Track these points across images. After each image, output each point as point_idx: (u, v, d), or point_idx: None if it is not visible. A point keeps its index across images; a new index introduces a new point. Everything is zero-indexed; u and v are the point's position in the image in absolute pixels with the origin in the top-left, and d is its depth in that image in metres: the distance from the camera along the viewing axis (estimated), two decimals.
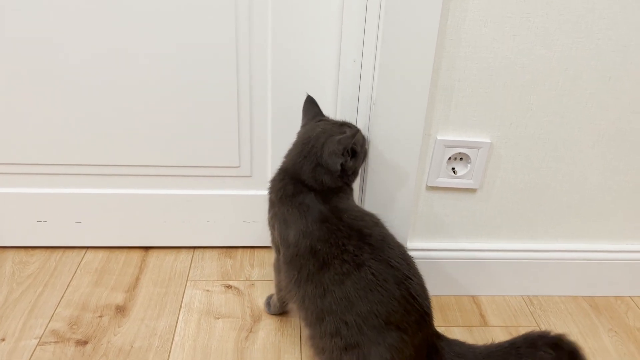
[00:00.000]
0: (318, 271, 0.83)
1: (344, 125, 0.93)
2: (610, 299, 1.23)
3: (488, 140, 1.05)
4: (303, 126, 0.97)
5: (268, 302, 1.12)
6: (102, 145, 1.16)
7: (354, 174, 0.93)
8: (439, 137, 1.04)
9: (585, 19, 0.94)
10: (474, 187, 1.09)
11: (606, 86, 1.01)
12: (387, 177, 1.06)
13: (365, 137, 0.98)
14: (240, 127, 1.16)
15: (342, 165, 0.88)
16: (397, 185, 1.07)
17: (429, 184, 1.09)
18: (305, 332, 0.90)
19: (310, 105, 0.97)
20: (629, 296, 1.24)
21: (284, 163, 0.94)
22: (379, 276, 0.81)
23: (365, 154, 0.97)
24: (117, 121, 1.13)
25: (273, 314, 1.12)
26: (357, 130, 0.88)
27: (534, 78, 0.99)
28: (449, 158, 1.07)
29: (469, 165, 1.07)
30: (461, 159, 1.08)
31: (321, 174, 0.88)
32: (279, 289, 1.02)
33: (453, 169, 1.08)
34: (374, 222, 0.89)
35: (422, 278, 0.89)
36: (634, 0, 0.92)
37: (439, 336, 0.94)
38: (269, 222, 0.97)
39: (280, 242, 0.91)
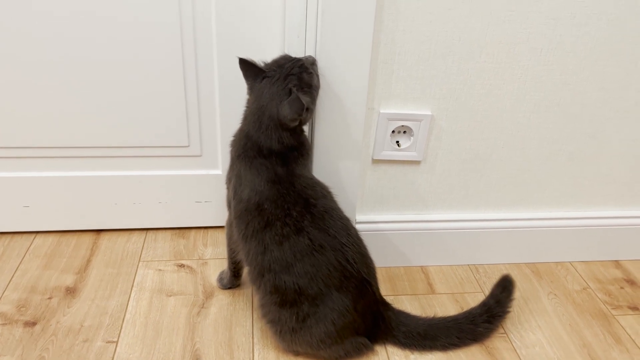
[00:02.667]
0: (262, 229, 0.87)
1: (288, 77, 0.91)
2: (551, 264, 1.29)
3: (429, 112, 1.08)
4: (250, 89, 0.94)
5: (221, 277, 1.14)
6: (48, 127, 1.14)
7: (310, 118, 0.96)
8: (381, 111, 1.07)
9: None
10: (417, 159, 1.13)
11: (538, 58, 1.05)
12: (333, 152, 1.08)
13: (313, 61, 0.96)
14: (188, 106, 1.16)
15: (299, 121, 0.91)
16: (343, 159, 1.09)
17: (375, 157, 1.12)
18: (255, 296, 0.93)
19: (248, 67, 0.93)
20: (569, 261, 1.30)
21: (244, 125, 0.95)
22: (315, 242, 0.85)
23: (316, 88, 0.95)
24: (63, 101, 1.12)
25: (225, 288, 1.13)
26: (298, 82, 0.89)
27: (471, 50, 1.03)
28: (393, 131, 1.10)
29: (412, 137, 1.10)
30: (404, 132, 1.11)
31: (280, 134, 0.90)
32: (229, 247, 1.05)
33: (397, 142, 1.11)
34: (323, 194, 0.92)
35: (363, 247, 0.93)
36: None
37: (386, 305, 0.97)
38: (227, 177, 1.00)
39: (233, 196, 0.94)
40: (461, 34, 1.01)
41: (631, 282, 1.24)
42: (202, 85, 1.14)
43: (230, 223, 0.98)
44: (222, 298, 1.11)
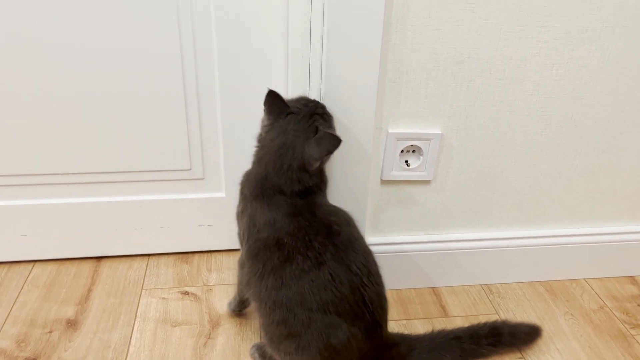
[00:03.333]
0: (281, 264, 0.83)
1: (314, 116, 0.88)
2: (565, 282, 1.25)
3: (439, 131, 1.05)
4: (270, 125, 0.89)
5: (229, 302, 1.10)
6: (45, 154, 1.11)
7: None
8: (390, 131, 1.04)
9: (526, 6, 0.95)
10: (427, 179, 1.09)
11: (550, 73, 1.02)
12: (341, 173, 1.05)
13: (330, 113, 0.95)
14: (190, 129, 1.13)
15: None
16: (351, 180, 1.06)
17: (384, 178, 1.08)
18: (259, 320, 0.90)
19: (274, 101, 0.88)
20: (584, 278, 1.27)
21: (259, 167, 0.90)
22: (336, 278, 0.81)
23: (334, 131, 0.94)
24: (60, 128, 1.08)
25: (233, 311, 1.09)
26: (330, 133, 0.85)
27: (480, 67, 1.00)
28: (402, 151, 1.06)
29: (421, 157, 1.07)
30: (414, 151, 1.08)
31: (301, 176, 0.86)
32: (240, 284, 1.01)
33: (406, 161, 1.08)
34: (347, 220, 0.89)
35: (382, 286, 0.88)
36: None
37: (389, 348, 0.92)
38: (238, 215, 0.95)
39: (248, 235, 0.89)
40: (470, 50, 0.98)
41: None
42: (203, 108, 1.11)
43: (242, 263, 0.94)
44: (229, 327, 1.07)
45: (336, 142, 0.84)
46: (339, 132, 1.00)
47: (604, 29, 0.99)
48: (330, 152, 0.86)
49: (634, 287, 1.25)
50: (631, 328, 1.12)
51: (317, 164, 0.87)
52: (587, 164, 1.13)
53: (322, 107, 0.92)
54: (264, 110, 0.91)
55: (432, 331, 0.97)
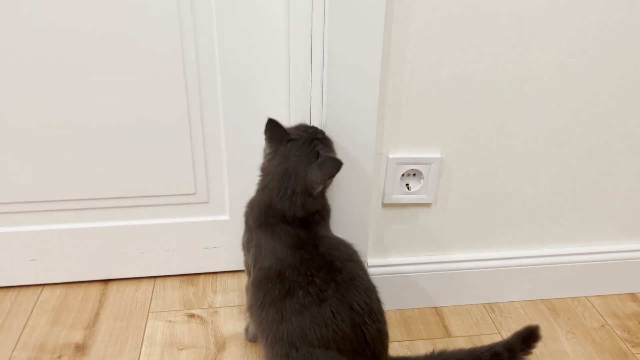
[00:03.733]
0: (282, 298, 0.84)
1: (312, 142, 0.90)
2: (567, 300, 1.26)
3: (438, 155, 1.06)
4: (272, 153, 0.92)
5: (247, 329, 1.11)
6: (53, 180, 1.13)
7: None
8: (390, 156, 1.05)
9: (526, 31, 0.96)
10: (428, 202, 1.11)
11: (548, 97, 1.04)
12: (344, 197, 1.06)
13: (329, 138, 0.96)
14: (194, 154, 1.15)
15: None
16: (353, 204, 1.07)
17: (385, 202, 1.10)
18: (262, 351, 0.91)
19: (275, 129, 0.91)
20: (585, 296, 1.28)
21: (263, 196, 0.92)
22: (337, 316, 0.82)
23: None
24: (67, 154, 1.11)
25: (250, 340, 1.11)
26: (331, 157, 0.87)
27: (480, 91, 1.01)
28: (403, 174, 1.08)
29: (422, 180, 1.09)
30: (414, 174, 1.09)
31: (304, 200, 0.88)
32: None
33: (407, 185, 1.10)
34: (349, 255, 0.90)
35: (383, 324, 0.89)
36: (569, 11, 0.96)
37: None
38: (244, 245, 0.97)
39: (253, 265, 0.91)
40: (469, 75, 0.99)
41: None
42: (207, 134, 1.13)
43: (247, 290, 0.96)
44: (234, 350, 1.09)
45: (337, 165, 0.86)
46: (340, 157, 1.01)
47: (601, 53, 1.00)
48: (332, 175, 0.88)
49: (635, 304, 1.26)
50: (632, 347, 1.13)
51: (320, 188, 0.89)
52: (587, 184, 1.15)
53: (322, 132, 0.94)
54: (265, 139, 0.93)
55: (433, 352, 0.98)
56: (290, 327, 0.82)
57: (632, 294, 1.29)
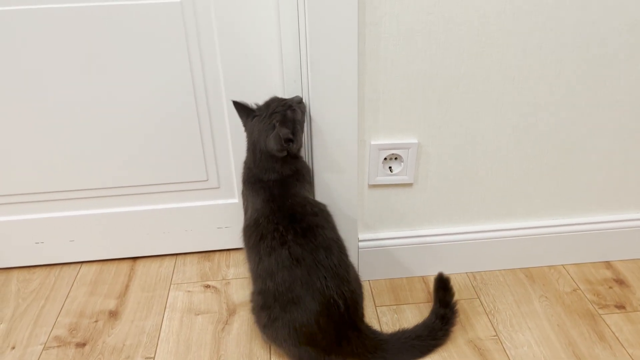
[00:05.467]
0: (258, 241, 1.04)
1: (272, 115, 1.07)
2: (544, 268, 1.39)
3: (415, 140, 1.20)
4: (245, 127, 1.14)
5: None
6: (88, 173, 1.32)
7: (299, 149, 1.11)
8: (372, 142, 1.20)
9: (484, 31, 1.09)
10: (409, 182, 1.25)
11: (512, 85, 1.16)
12: (332, 180, 1.22)
13: (300, 100, 1.11)
14: (204, 147, 1.32)
15: (287, 151, 1.06)
16: (342, 186, 1.22)
17: (370, 183, 1.25)
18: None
19: (241, 109, 1.13)
20: (562, 264, 1.40)
21: (247, 158, 1.14)
22: (293, 256, 1.00)
23: (301, 123, 1.10)
24: (97, 150, 1.29)
25: None
26: (281, 118, 1.05)
27: (448, 84, 1.14)
28: (385, 159, 1.22)
29: (402, 163, 1.23)
30: (396, 158, 1.23)
31: (273, 165, 1.08)
32: None
33: (390, 167, 1.24)
34: (313, 212, 1.06)
35: (342, 268, 1.04)
36: (523, 8, 1.07)
37: (359, 330, 1.06)
38: (242, 195, 1.18)
39: (244, 212, 1.14)
40: (438, 70, 1.13)
41: (620, 281, 1.34)
42: (215, 128, 1.30)
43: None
44: (243, 315, 1.26)
45: (279, 137, 1.03)
46: (327, 145, 1.17)
47: (557, 45, 1.12)
48: (281, 145, 1.04)
49: (608, 271, 1.37)
50: (599, 308, 1.26)
51: (282, 153, 1.06)
52: (554, 162, 1.27)
53: (284, 104, 1.08)
54: (239, 116, 1.14)
55: (397, 331, 1.13)
56: (264, 265, 1.02)
57: (607, 261, 1.41)
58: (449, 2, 1.05)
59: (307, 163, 1.18)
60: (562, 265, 1.40)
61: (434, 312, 1.15)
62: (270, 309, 1.02)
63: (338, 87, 1.11)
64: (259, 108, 1.11)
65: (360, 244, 1.32)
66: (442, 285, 1.17)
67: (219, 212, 1.42)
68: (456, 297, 1.29)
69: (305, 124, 1.17)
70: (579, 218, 1.35)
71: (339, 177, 1.21)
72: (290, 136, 1.05)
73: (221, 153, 1.34)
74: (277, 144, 1.04)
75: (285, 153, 1.06)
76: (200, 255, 1.48)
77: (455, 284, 1.34)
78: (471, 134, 1.21)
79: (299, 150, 1.11)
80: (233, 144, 1.32)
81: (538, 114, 1.20)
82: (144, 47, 1.18)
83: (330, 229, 1.07)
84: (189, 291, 1.35)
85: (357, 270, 1.33)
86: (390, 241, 1.32)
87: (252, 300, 1.10)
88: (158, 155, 1.32)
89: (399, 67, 1.12)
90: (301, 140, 1.11)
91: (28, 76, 1.18)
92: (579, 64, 1.15)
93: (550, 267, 1.39)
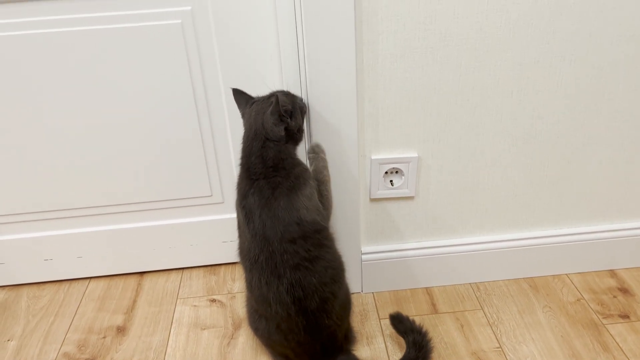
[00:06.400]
0: (241, 223, 1.04)
1: (271, 97, 1.04)
2: (548, 278, 1.39)
3: (415, 154, 1.21)
4: (242, 116, 1.09)
5: None
6: (95, 190, 1.35)
7: (300, 131, 1.06)
8: (373, 157, 1.21)
9: (480, 45, 1.10)
10: (411, 195, 1.26)
11: (511, 99, 1.16)
12: (335, 194, 1.23)
13: (294, 94, 1.09)
14: (208, 162, 1.34)
15: (286, 129, 1.01)
16: (344, 200, 1.23)
17: (372, 197, 1.26)
18: None
19: (239, 96, 1.09)
20: (566, 273, 1.40)
21: (241, 153, 1.06)
22: (246, 218, 1.01)
23: (301, 108, 1.07)
24: (104, 169, 1.32)
25: None
26: (278, 95, 1.00)
27: (447, 98, 1.15)
28: (386, 172, 1.23)
29: (403, 177, 1.24)
30: (397, 171, 1.24)
31: (272, 149, 1.01)
32: None
33: (391, 181, 1.25)
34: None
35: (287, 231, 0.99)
36: (519, 22, 1.08)
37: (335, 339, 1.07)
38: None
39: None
40: (436, 85, 1.14)
41: (624, 290, 1.33)
42: (218, 145, 1.32)
43: None
44: (248, 329, 1.27)
45: (277, 104, 0.98)
46: (330, 161, 1.17)
47: (554, 58, 1.12)
48: (280, 115, 0.99)
49: (613, 280, 1.37)
50: (603, 318, 1.26)
51: (278, 132, 1.00)
52: (555, 173, 1.27)
53: (282, 90, 1.08)
54: (237, 107, 1.11)
55: None
56: (240, 242, 1.06)
57: (611, 270, 1.40)
58: (445, 17, 1.06)
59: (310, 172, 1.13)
60: (566, 274, 1.40)
61: (408, 345, 1.11)
62: (248, 280, 1.06)
63: (337, 104, 1.12)
64: (259, 97, 1.08)
65: (363, 256, 1.33)
66: (397, 321, 1.15)
67: (223, 226, 1.44)
68: (459, 308, 1.30)
69: (305, 141, 1.18)
70: (583, 227, 1.35)
71: (340, 192, 1.22)
72: (289, 107, 1.01)
73: (224, 169, 1.36)
74: (274, 115, 0.99)
75: (283, 132, 1.00)
76: (206, 269, 1.49)
77: (458, 294, 1.35)
78: (471, 147, 1.22)
79: (299, 132, 1.05)
80: (236, 160, 1.34)
81: (538, 125, 1.20)
82: (147, 67, 1.20)
83: (297, 209, 1.00)
84: (195, 305, 1.36)
85: (360, 283, 1.35)
86: (393, 253, 1.33)
87: (246, 305, 1.14)
88: (162, 172, 1.34)
89: (397, 82, 1.13)
90: (301, 122, 1.06)
91: (37, 97, 1.21)
92: (577, 75, 1.15)
93: (554, 276, 1.39)
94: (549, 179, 1.28)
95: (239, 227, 1.07)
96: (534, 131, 1.21)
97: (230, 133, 1.31)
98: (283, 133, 1.02)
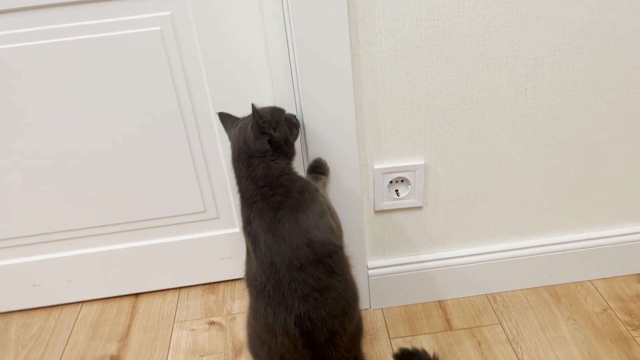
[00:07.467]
0: (251, 251, 0.95)
1: (255, 114, 0.92)
2: (570, 285, 1.29)
3: (422, 162, 1.11)
4: (229, 138, 1.00)
5: None
6: (82, 212, 1.26)
7: (287, 143, 0.95)
8: (375, 167, 1.11)
9: (489, 42, 0.99)
10: (418, 205, 1.16)
11: (524, 97, 1.06)
12: (338, 207, 1.12)
13: (281, 108, 0.99)
14: (199, 177, 1.25)
15: (270, 142, 0.91)
16: (346, 213, 1.14)
17: (376, 209, 1.16)
18: None
19: (225, 119, 1.01)
20: (590, 280, 1.30)
21: (236, 184, 0.97)
22: (252, 244, 0.93)
23: (288, 120, 0.97)
24: (91, 189, 1.23)
25: None
26: (254, 105, 0.89)
27: (454, 100, 1.05)
28: (391, 182, 1.14)
29: (409, 186, 1.14)
30: (402, 180, 1.14)
31: (259, 167, 0.92)
32: None
33: (397, 190, 1.15)
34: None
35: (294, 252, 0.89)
36: (531, 14, 0.97)
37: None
38: None
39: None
40: (441, 87, 1.03)
41: None
42: (208, 158, 1.23)
43: None
44: (249, 355, 1.19)
45: (254, 119, 0.89)
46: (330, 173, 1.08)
47: (570, 52, 1.01)
48: (259, 127, 0.89)
49: None
50: (632, 330, 1.16)
51: (262, 145, 0.91)
52: (575, 174, 1.17)
53: (271, 106, 0.99)
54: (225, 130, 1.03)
55: None
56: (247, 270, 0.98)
57: (638, 274, 1.30)
58: (449, 12, 0.96)
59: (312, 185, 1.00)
60: (589, 280, 1.30)
61: None
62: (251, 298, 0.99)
63: (333, 113, 1.02)
64: (245, 116, 0.98)
65: (370, 272, 1.23)
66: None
67: (220, 242, 1.35)
68: (476, 323, 1.21)
69: (302, 158, 1.09)
70: (606, 230, 1.25)
71: (342, 205, 1.13)
72: (269, 117, 0.92)
73: (217, 183, 1.27)
74: (254, 128, 0.90)
75: (266, 146, 0.90)
76: (204, 287, 1.41)
77: (474, 307, 1.26)
78: (482, 151, 1.11)
79: (287, 144, 0.94)
80: (229, 173, 1.24)
81: (555, 125, 1.10)
82: (127, 80, 1.11)
83: (303, 226, 0.90)
84: (193, 329, 1.28)
85: (368, 299, 1.26)
86: (402, 267, 1.24)
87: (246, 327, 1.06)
88: (152, 189, 1.25)
89: (398, 86, 1.02)
90: (288, 134, 0.95)
91: (15, 117, 1.13)
92: (597, 69, 1.04)
93: (577, 283, 1.29)
94: (568, 181, 1.17)
95: (247, 254, 0.98)
96: (551, 131, 1.11)
97: (221, 144, 1.21)
98: (267, 146, 0.92)
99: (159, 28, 1.08)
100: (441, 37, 0.98)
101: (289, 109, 1.07)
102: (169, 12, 1.07)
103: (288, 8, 0.94)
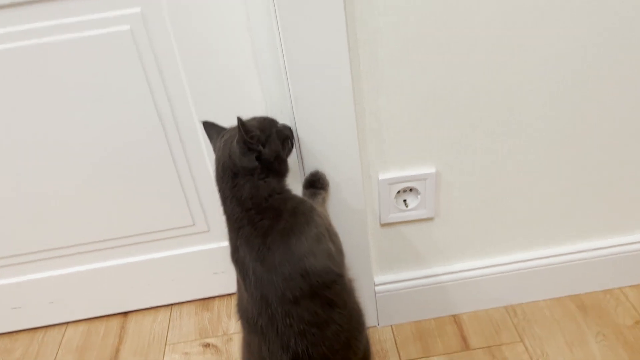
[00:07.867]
0: (240, 280, 0.84)
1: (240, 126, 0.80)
2: (598, 294, 1.17)
3: (433, 170, 0.98)
4: (214, 149, 0.88)
5: None
6: (62, 229, 1.16)
7: (279, 160, 0.83)
8: (380, 177, 0.99)
9: (506, 33, 0.85)
10: (429, 216, 1.04)
11: (545, 96, 0.92)
12: (337, 223, 1.00)
13: (274, 119, 0.87)
14: (185, 188, 1.13)
15: (259, 159, 0.80)
16: (349, 228, 1.02)
17: (382, 222, 1.04)
18: None
19: (210, 129, 0.89)
20: (619, 287, 1.18)
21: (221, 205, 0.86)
22: (240, 274, 0.81)
23: (279, 132, 0.85)
24: (71, 205, 1.13)
25: None
26: (240, 118, 0.77)
27: (466, 102, 0.92)
28: (398, 192, 1.01)
29: (419, 196, 1.01)
30: (411, 190, 1.02)
31: (245, 187, 0.80)
32: None
33: (405, 201, 1.03)
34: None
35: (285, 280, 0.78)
36: (554, 3, 0.83)
37: None
38: None
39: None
40: (450, 89, 0.90)
41: None
42: (194, 167, 1.11)
43: None
44: None
45: (240, 132, 0.77)
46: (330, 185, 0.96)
47: (588, 47, 0.88)
48: (245, 143, 0.78)
49: None
50: None
51: (249, 163, 0.79)
52: (602, 177, 1.04)
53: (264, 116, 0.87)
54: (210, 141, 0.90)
55: None
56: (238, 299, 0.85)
57: None
58: (458, 4, 0.82)
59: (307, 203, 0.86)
60: (619, 288, 1.18)
61: None
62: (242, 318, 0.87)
63: (330, 121, 0.90)
64: (232, 127, 0.85)
65: (377, 288, 1.12)
66: None
67: (212, 256, 1.23)
68: (495, 341, 1.10)
69: (298, 164, 0.97)
70: (629, 237, 1.13)
71: (344, 220, 1.00)
72: (257, 132, 0.79)
73: (205, 194, 1.15)
74: (240, 143, 0.78)
75: (255, 163, 0.79)
76: (197, 303, 1.30)
77: (492, 322, 1.15)
78: (498, 156, 0.99)
79: (278, 161, 0.82)
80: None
81: (580, 125, 0.97)
82: (98, 86, 0.99)
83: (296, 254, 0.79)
84: (186, 353, 1.18)
85: (376, 316, 1.16)
86: (413, 282, 1.12)
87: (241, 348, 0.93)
88: (136, 203, 1.14)
89: (403, 88, 0.89)
90: (280, 150, 0.83)
91: None
92: (633, 62, 0.90)
93: (605, 292, 1.18)
94: (594, 185, 1.04)
95: (237, 283, 0.86)
96: (575, 132, 0.97)
97: (207, 152, 1.09)
98: (255, 164, 0.79)
99: (128, 27, 0.94)
100: (450, 32, 0.84)
101: (282, 117, 0.94)
102: (138, 9, 0.93)
103: (275, 2, 0.80)
